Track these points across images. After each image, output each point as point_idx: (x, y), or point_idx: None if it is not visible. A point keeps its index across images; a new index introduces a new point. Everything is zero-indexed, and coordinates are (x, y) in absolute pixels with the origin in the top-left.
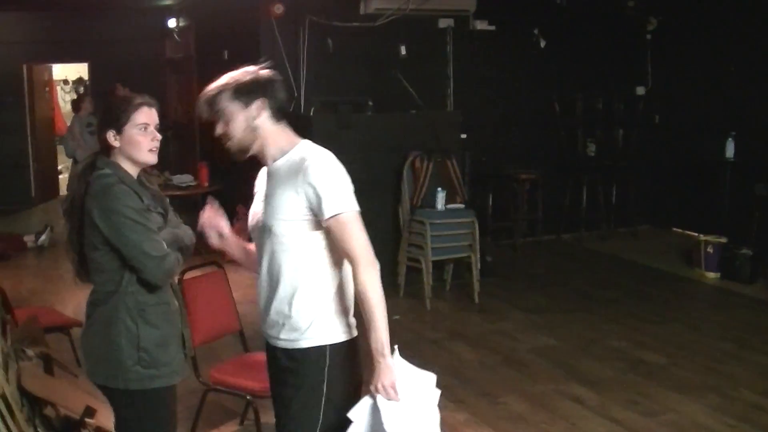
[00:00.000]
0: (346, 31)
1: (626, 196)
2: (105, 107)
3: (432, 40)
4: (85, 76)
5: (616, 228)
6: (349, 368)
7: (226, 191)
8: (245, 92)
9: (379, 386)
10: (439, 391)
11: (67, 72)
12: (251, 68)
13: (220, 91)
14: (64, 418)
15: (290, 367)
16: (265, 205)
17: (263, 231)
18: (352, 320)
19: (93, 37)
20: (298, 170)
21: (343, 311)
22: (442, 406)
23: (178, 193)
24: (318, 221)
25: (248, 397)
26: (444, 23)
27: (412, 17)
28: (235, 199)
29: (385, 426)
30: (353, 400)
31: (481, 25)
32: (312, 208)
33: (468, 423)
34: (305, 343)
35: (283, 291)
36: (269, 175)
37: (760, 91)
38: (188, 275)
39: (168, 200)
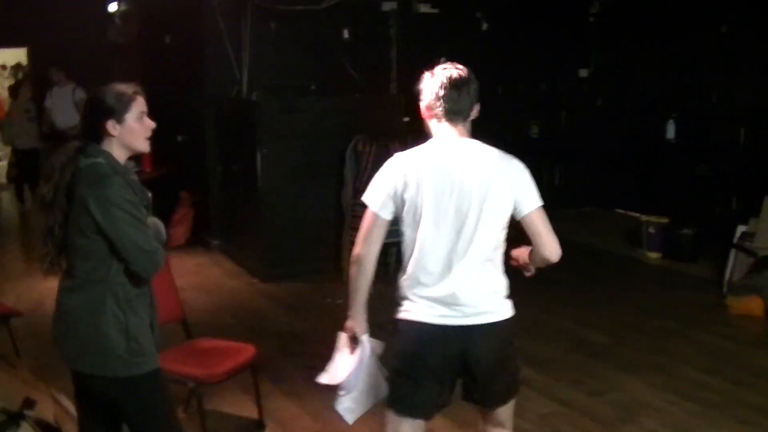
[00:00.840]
0: (289, 15)
1: (570, 177)
2: (97, 96)
3: (375, 23)
4: (24, 62)
5: (560, 209)
6: (396, 345)
7: (171, 176)
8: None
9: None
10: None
11: (5, 57)
12: (448, 66)
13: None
14: (3, 411)
15: None
16: None
17: None
18: (405, 304)
19: (33, 21)
20: None
21: (397, 292)
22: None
23: None
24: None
25: (191, 385)
26: (387, 6)
27: (355, 1)
28: (179, 185)
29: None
30: (396, 376)
31: (424, 8)
32: None
33: None
34: None
35: None
36: None
37: (700, 74)
38: None
39: (149, 192)
